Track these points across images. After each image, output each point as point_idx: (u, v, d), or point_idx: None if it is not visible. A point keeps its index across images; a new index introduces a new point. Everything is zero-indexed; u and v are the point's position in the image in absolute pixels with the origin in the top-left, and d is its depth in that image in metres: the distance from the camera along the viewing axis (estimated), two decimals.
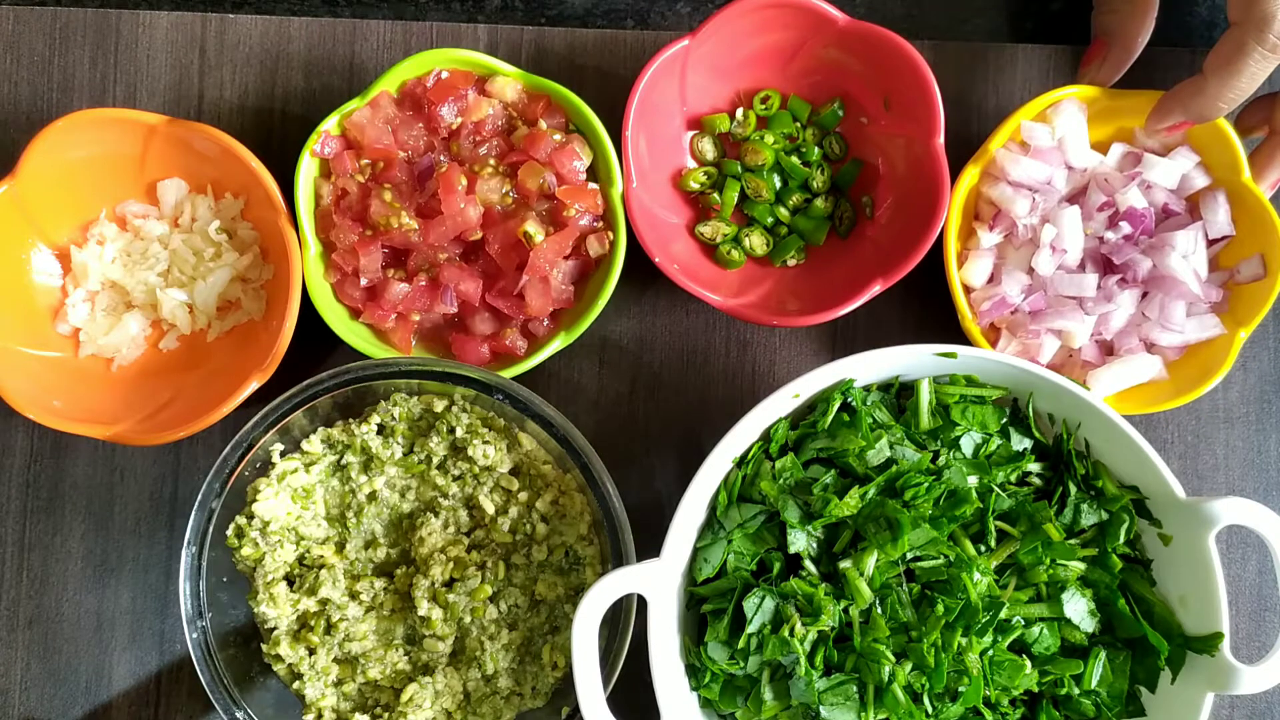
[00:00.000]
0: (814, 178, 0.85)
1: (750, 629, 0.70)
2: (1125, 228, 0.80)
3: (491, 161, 0.81)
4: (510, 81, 0.82)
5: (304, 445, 0.79)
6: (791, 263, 0.86)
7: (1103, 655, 0.72)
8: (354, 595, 0.78)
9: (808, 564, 0.71)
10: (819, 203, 0.85)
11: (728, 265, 0.85)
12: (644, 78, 0.79)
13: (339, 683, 0.78)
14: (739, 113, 0.86)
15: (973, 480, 0.71)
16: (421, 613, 0.76)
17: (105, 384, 0.83)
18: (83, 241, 0.83)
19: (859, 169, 0.86)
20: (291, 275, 0.78)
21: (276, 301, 0.82)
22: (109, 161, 0.81)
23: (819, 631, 0.70)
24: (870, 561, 0.69)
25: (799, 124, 0.86)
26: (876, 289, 0.79)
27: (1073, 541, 0.73)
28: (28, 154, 0.78)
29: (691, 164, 0.86)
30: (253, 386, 0.77)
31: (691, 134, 0.86)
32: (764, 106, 0.85)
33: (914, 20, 0.90)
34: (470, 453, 0.77)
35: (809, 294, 0.83)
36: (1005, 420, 0.75)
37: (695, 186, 0.86)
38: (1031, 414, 0.75)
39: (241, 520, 0.77)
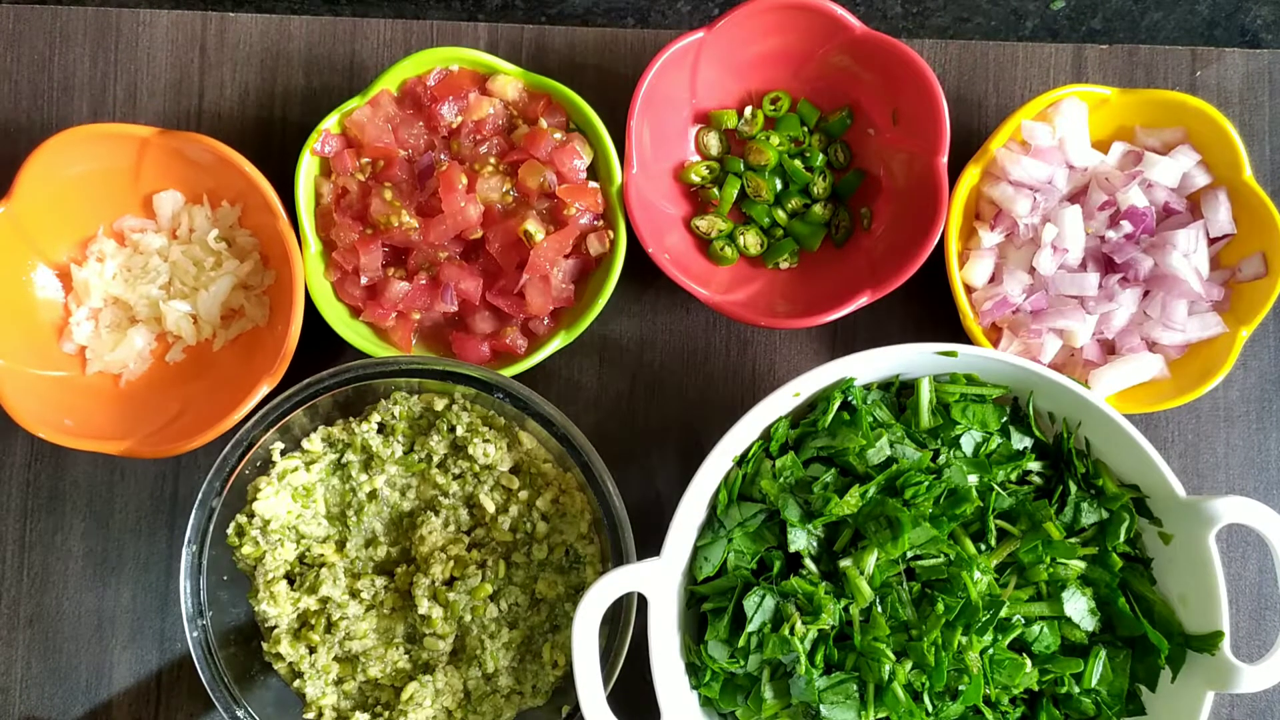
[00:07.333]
0: (815, 183, 0.85)
1: (750, 628, 0.70)
2: (1126, 227, 0.80)
3: (492, 160, 0.81)
4: (511, 80, 0.82)
5: (304, 444, 0.79)
6: (784, 265, 0.85)
7: (1103, 654, 0.72)
8: (354, 594, 0.78)
9: (808, 563, 0.71)
10: (817, 209, 0.85)
11: (720, 261, 0.85)
12: (654, 67, 0.79)
13: (339, 681, 0.78)
14: (748, 111, 0.85)
15: (973, 479, 0.71)
16: (422, 611, 0.76)
17: (114, 400, 0.82)
18: (82, 259, 0.83)
19: (861, 179, 0.85)
20: (294, 279, 0.78)
21: (280, 306, 0.82)
22: (103, 177, 0.81)
23: (819, 630, 0.70)
24: (870, 560, 0.69)
25: (806, 128, 0.85)
26: (864, 300, 0.79)
27: (1073, 540, 0.72)
28: (22, 174, 0.77)
29: (695, 158, 0.86)
30: (263, 391, 0.77)
31: (698, 128, 0.86)
32: (773, 107, 0.85)
33: (914, 19, 0.90)
34: (470, 451, 0.77)
35: (798, 298, 0.83)
36: (1005, 419, 0.75)
37: (696, 180, 0.85)
38: (1032, 413, 0.75)
39: (242, 519, 0.77)
